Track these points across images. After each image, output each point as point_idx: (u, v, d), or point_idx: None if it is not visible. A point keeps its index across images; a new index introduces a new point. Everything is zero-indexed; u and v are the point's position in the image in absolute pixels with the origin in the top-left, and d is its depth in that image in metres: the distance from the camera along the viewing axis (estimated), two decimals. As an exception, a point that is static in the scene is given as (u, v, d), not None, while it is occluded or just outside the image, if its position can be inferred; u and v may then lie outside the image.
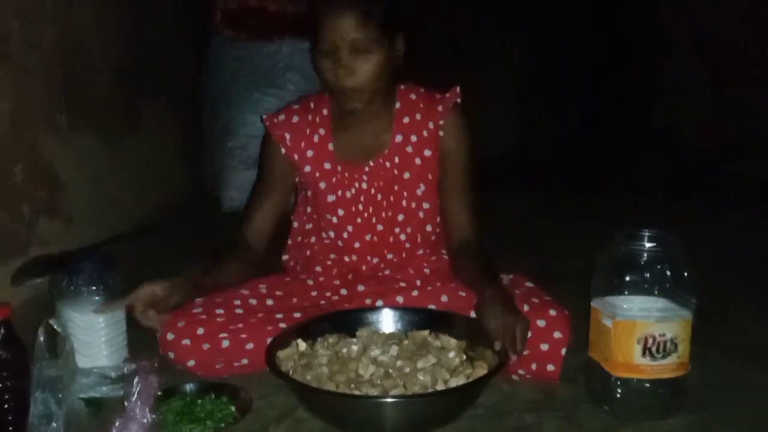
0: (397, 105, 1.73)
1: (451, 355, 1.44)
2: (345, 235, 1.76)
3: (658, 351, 1.34)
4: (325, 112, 1.76)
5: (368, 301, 1.67)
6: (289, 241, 1.86)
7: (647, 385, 1.37)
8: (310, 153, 1.75)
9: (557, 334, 1.48)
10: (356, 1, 1.57)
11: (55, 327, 1.37)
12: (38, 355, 1.32)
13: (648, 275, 1.38)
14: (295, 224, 1.86)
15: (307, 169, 1.75)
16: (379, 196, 1.74)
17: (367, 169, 1.74)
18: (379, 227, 1.75)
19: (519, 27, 4.85)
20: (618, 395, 1.38)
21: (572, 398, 1.47)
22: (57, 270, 1.61)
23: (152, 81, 3.04)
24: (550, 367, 1.49)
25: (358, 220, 1.75)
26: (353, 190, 1.74)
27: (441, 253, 1.80)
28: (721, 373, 1.59)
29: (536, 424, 1.38)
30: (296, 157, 1.75)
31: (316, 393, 1.34)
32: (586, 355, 1.47)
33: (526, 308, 1.49)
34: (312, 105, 1.78)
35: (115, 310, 1.56)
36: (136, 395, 1.23)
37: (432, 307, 1.63)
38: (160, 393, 1.32)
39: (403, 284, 1.71)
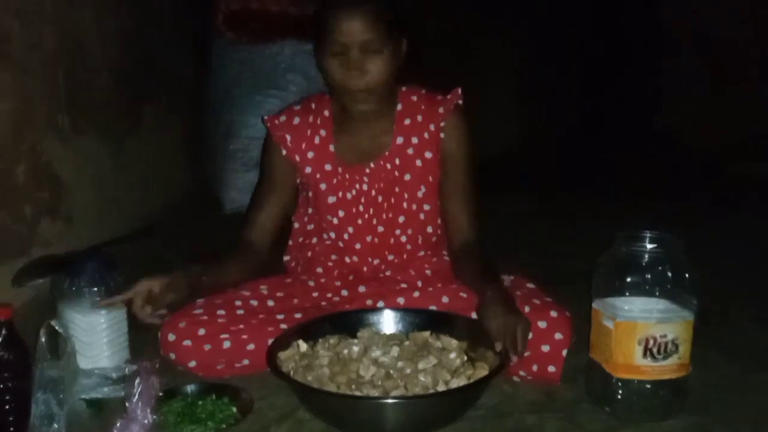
0: (399, 107, 1.73)
1: (452, 356, 1.44)
2: (346, 236, 1.76)
3: (659, 352, 1.34)
4: (326, 113, 1.76)
5: (369, 302, 1.67)
6: (290, 242, 1.86)
7: (648, 386, 1.37)
8: (310, 154, 1.75)
9: (558, 336, 1.48)
10: (367, 2, 1.57)
11: (57, 328, 1.38)
12: (40, 356, 1.33)
13: (649, 276, 1.38)
14: (296, 225, 1.86)
15: (308, 170, 1.75)
16: (380, 198, 1.74)
17: (367, 170, 1.74)
18: (380, 229, 1.75)
19: (519, 27, 4.85)
20: (619, 396, 1.38)
21: (573, 399, 1.47)
22: (58, 271, 1.61)
23: (153, 81, 3.04)
24: (551, 369, 1.49)
25: (359, 222, 1.75)
26: (354, 192, 1.74)
27: (442, 254, 1.80)
28: (721, 374, 1.60)
29: (537, 425, 1.38)
30: (297, 158, 1.75)
31: (317, 394, 1.34)
32: (587, 356, 1.47)
33: (527, 309, 1.49)
34: (313, 106, 1.78)
35: (114, 305, 1.56)
36: (137, 396, 1.24)
37: (433, 308, 1.63)
38: (161, 394, 1.32)
39: (404, 285, 1.72)
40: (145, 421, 1.23)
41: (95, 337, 1.57)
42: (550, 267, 2.29)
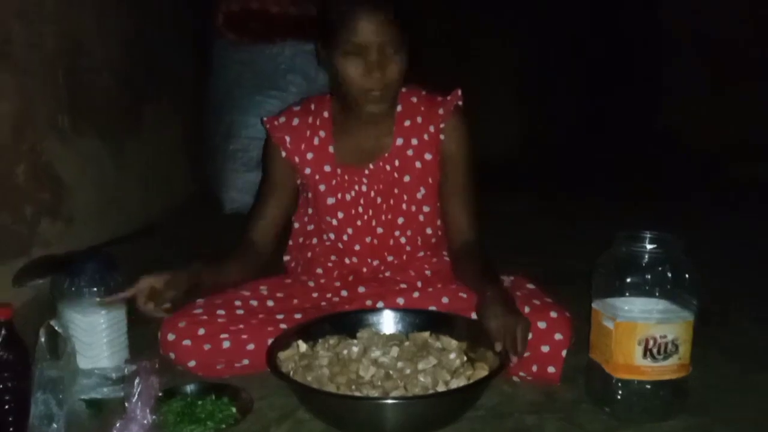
0: (399, 108, 1.73)
1: (452, 356, 1.44)
2: (345, 237, 1.76)
3: (659, 352, 1.34)
4: (325, 114, 1.76)
5: (369, 303, 1.67)
6: (290, 242, 1.86)
7: (648, 386, 1.37)
8: (309, 155, 1.75)
9: (558, 336, 1.48)
10: (384, 2, 1.56)
11: (57, 328, 1.38)
12: (39, 356, 1.33)
13: (649, 277, 1.38)
14: (296, 225, 1.86)
15: (307, 171, 1.75)
16: (379, 199, 1.74)
17: (367, 172, 1.73)
18: (379, 230, 1.75)
19: (519, 27, 4.85)
20: (619, 397, 1.38)
21: (573, 400, 1.47)
22: (59, 271, 1.61)
23: (153, 82, 3.04)
24: (551, 369, 1.49)
25: (358, 223, 1.75)
26: (353, 193, 1.74)
27: (442, 254, 1.80)
28: (721, 374, 1.60)
29: (537, 426, 1.38)
30: (296, 159, 1.75)
31: (317, 394, 1.34)
32: (586, 356, 1.47)
33: (527, 310, 1.49)
34: (313, 107, 1.78)
35: (116, 303, 1.56)
36: (136, 396, 1.24)
37: (433, 308, 1.63)
38: (160, 394, 1.32)
39: (403, 286, 1.72)
40: (145, 421, 1.24)
41: (95, 337, 1.57)
42: (550, 267, 2.29)
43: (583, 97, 5.31)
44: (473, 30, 4.72)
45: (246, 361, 1.56)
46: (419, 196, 1.74)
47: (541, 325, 1.48)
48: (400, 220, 1.75)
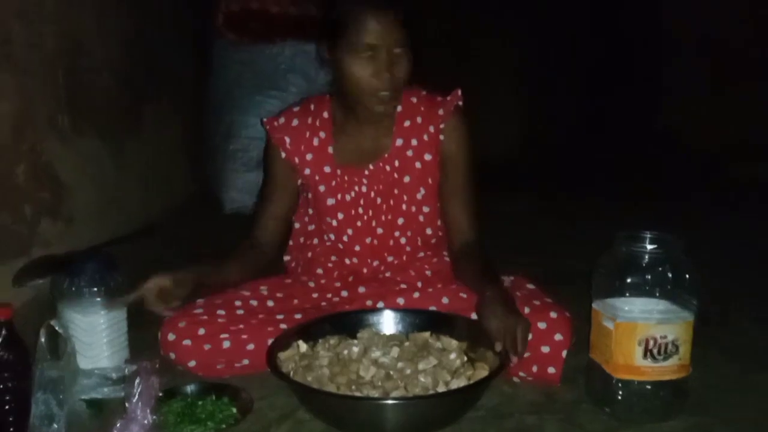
0: (399, 108, 1.73)
1: (452, 356, 1.44)
2: (345, 238, 1.76)
3: (659, 353, 1.34)
4: (325, 114, 1.76)
5: (369, 303, 1.67)
6: (291, 242, 1.86)
7: (648, 386, 1.37)
8: (309, 156, 1.75)
9: (558, 337, 1.48)
10: (394, 2, 1.56)
11: (57, 328, 1.38)
12: (40, 356, 1.33)
13: (649, 277, 1.38)
14: (297, 225, 1.86)
15: (307, 172, 1.75)
16: (379, 200, 1.74)
17: (366, 172, 1.73)
18: (379, 230, 1.75)
19: (519, 27, 4.85)
20: (619, 397, 1.38)
21: (573, 400, 1.47)
22: (59, 271, 1.61)
23: (153, 82, 3.04)
24: (551, 370, 1.49)
25: (358, 224, 1.75)
26: (353, 194, 1.74)
27: (442, 255, 1.80)
28: (721, 374, 1.60)
29: (537, 426, 1.38)
30: (296, 160, 1.75)
31: (317, 394, 1.34)
32: (586, 356, 1.47)
33: (527, 310, 1.49)
34: (312, 107, 1.78)
35: (126, 304, 1.57)
36: (137, 396, 1.23)
37: (433, 308, 1.63)
38: (161, 394, 1.32)
39: (403, 286, 1.72)
40: (145, 422, 1.23)
41: (95, 337, 1.57)
42: (549, 267, 2.29)
43: (583, 97, 5.31)
44: (473, 30, 4.72)
45: (246, 361, 1.57)
46: (419, 196, 1.74)
47: (541, 325, 1.47)
48: (400, 221, 1.75)
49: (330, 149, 1.74)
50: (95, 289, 1.56)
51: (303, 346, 1.50)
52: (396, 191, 1.74)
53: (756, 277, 2.29)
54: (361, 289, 1.72)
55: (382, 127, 1.73)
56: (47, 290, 1.66)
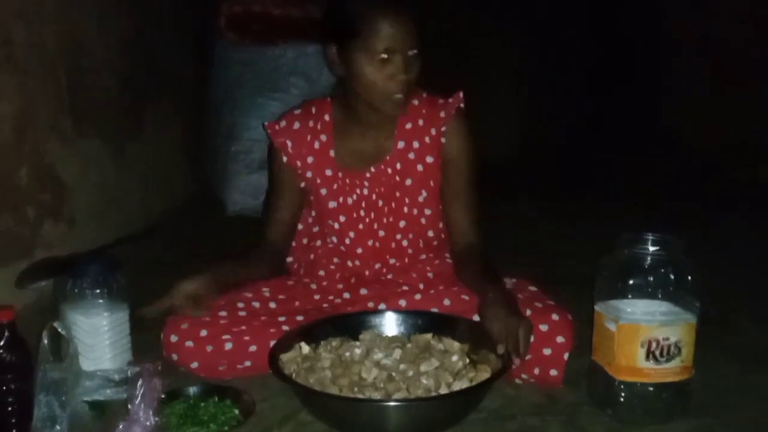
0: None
1: (455, 358, 1.44)
2: (347, 240, 1.76)
3: (661, 355, 1.34)
4: (327, 117, 1.76)
5: (371, 305, 1.67)
6: (293, 244, 1.86)
7: (651, 388, 1.37)
8: (310, 159, 1.75)
9: (560, 339, 1.48)
10: (408, 6, 1.56)
11: (60, 330, 1.37)
12: (42, 358, 1.32)
13: (652, 279, 1.38)
14: (300, 227, 1.86)
15: (309, 175, 1.76)
16: (381, 203, 1.74)
17: (368, 175, 1.74)
18: (381, 233, 1.75)
19: (519, 27, 4.84)
20: (621, 399, 1.38)
21: (575, 402, 1.47)
22: (61, 273, 1.61)
23: (154, 82, 3.04)
24: (553, 372, 1.49)
25: (360, 226, 1.75)
26: (354, 197, 1.74)
27: (444, 257, 1.80)
28: (721, 374, 1.60)
29: (539, 428, 1.38)
30: (298, 163, 1.76)
31: (319, 396, 1.34)
32: (589, 358, 1.47)
33: (528, 312, 1.48)
34: (314, 110, 1.77)
35: (158, 312, 1.58)
36: (139, 398, 1.23)
37: (435, 310, 1.64)
38: (163, 396, 1.32)
39: (405, 288, 1.72)
40: (148, 423, 1.23)
41: (98, 339, 1.56)
42: (550, 267, 2.29)
43: (583, 97, 5.30)
44: (473, 30, 4.71)
45: (248, 363, 1.56)
46: (421, 199, 1.74)
47: (543, 327, 1.47)
48: (402, 223, 1.75)
49: (331, 152, 1.74)
50: (98, 290, 1.56)
51: (305, 348, 1.50)
52: (398, 194, 1.74)
53: (756, 277, 2.29)
54: (363, 291, 1.72)
55: (384, 129, 1.73)
56: (50, 292, 1.66)
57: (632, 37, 5.21)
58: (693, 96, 4.72)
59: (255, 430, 1.37)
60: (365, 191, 1.74)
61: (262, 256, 1.77)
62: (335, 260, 1.79)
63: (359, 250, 1.77)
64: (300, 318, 1.63)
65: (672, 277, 1.38)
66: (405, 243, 1.76)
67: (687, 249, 1.40)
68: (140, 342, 1.65)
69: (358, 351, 1.47)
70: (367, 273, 1.78)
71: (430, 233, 1.78)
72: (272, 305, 1.69)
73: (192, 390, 1.47)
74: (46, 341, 1.34)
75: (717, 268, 1.94)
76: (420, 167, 1.73)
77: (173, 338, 1.56)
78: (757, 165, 4.05)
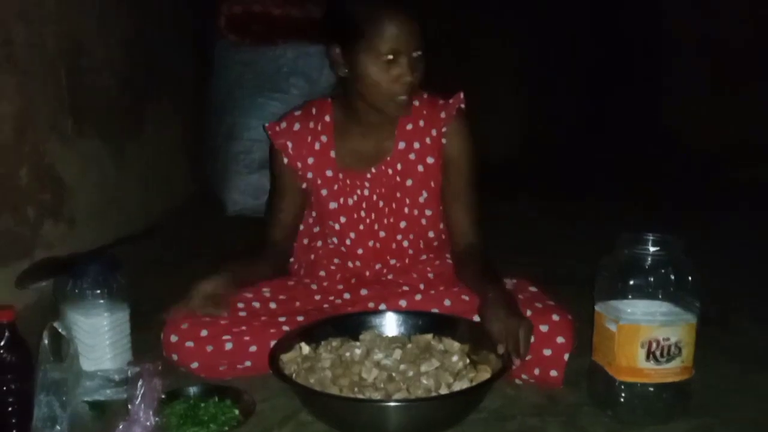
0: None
1: (455, 358, 1.45)
2: (348, 241, 1.76)
3: (662, 355, 1.34)
4: (327, 118, 1.76)
5: (371, 305, 1.67)
6: (294, 244, 1.87)
7: (651, 389, 1.37)
8: (311, 160, 1.75)
9: (560, 339, 1.48)
10: (413, 7, 1.56)
11: (60, 330, 1.37)
12: (43, 358, 1.32)
13: (652, 279, 1.38)
14: (301, 227, 1.86)
15: (309, 176, 1.76)
16: (381, 203, 1.74)
17: (369, 176, 1.74)
18: (382, 234, 1.76)
19: (519, 27, 4.84)
20: (622, 399, 1.38)
21: (575, 402, 1.47)
22: (61, 273, 1.61)
23: (154, 82, 3.04)
24: (553, 373, 1.49)
25: (361, 227, 1.75)
26: (355, 197, 1.74)
27: (445, 257, 1.80)
28: (721, 374, 1.60)
29: (539, 428, 1.38)
30: (299, 164, 1.76)
31: (320, 396, 1.34)
32: (589, 358, 1.47)
33: (529, 313, 1.48)
34: (314, 111, 1.77)
35: (181, 313, 1.59)
36: (139, 398, 1.23)
37: (435, 311, 1.64)
38: (163, 396, 1.32)
39: (406, 288, 1.72)
40: (148, 423, 1.23)
41: (98, 339, 1.56)
42: (549, 267, 2.29)
43: (583, 97, 5.30)
44: (473, 30, 4.71)
45: (248, 363, 1.56)
46: (421, 199, 1.74)
47: (543, 328, 1.48)
48: (403, 224, 1.75)
49: (332, 153, 1.74)
50: (98, 291, 1.56)
51: (305, 348, 1.50)
52: (398, 194, 1.74)
53: (756, 277, 2.29)
54: (364, 292, 1.72)
55: (385, 130, 1.73)
56: (50, 292, 1.66)
57: (632, 37, 5.21)
58: (693, 96, 4.72)
59: (255, 431, 1.37)
60: (366, 192, 1.74)
61: (268, 256, 1.78)
62: (336, 261, 1.79)
63: (360, 251, 1.77)
64: (300, 318, 1.63)
65: (672, 277, 1.38)
66: (405, 243, 1.76)
67: (687, 249, 1.40)
68: (140, 342, 1.65)
69: (358, 351, 1.47)
70: (367, 273, 1.78)
71: (431, 234, 1.78)
72: (272, 305, 1.69)
73: (192, 390, 1.47)
74: (46, 341, 1.34)
75: (717, 268, 1.94)
76: (421, 168, 1.73)
77: (173, 338, 1.56)
78: (757, 165, 4.05)
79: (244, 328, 1.58)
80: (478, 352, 1.48)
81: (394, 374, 1.39)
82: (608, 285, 1.42)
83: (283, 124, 1.77)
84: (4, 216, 1.91)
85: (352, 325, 1.59)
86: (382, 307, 1.66)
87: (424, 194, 1.74)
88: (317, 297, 1.75)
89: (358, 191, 1.74)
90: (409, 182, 1.73)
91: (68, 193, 2.25)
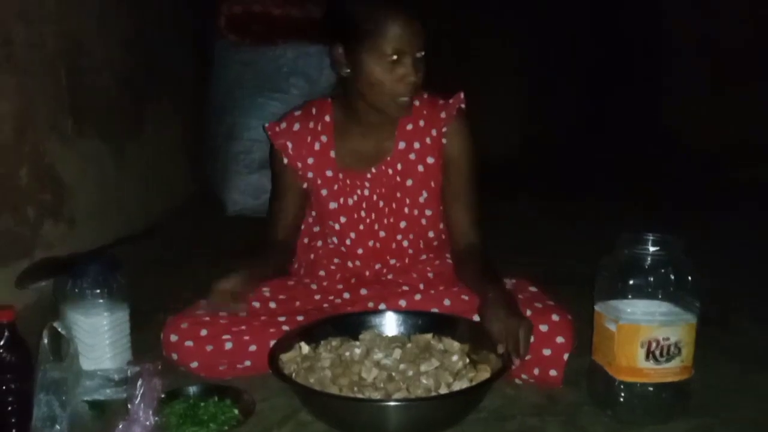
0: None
1: (455, 358, 1.44)
2: (348, 241, 1.76)
3: (661, 355, 1.34)
4: (327, 118, 1.76)
5: (371, 305, 1.67)
6: (297, 242, 1.87)
7: (651, 388, 1.37)
8: (311, 160, 1.75)
9: (560, 339, 1.48)
10: (415, 8, 1.57)
11: (60, 330, 1.37)
12: (42, 358, 1.33)
13: (652, 279, 1.38)
14: (301, 227, 1.86)
15: (310, 175, 1.76)
16: (381, 203, 1.74)
17: (369, 176, 1.74)
18: (382, 234, 1.76)
19: (519, 27, 4.85)
20: (621, 399, 1.38)
21: (575, 402, 1.47)
22: (61, 273, 1.61)
23: (153, 82, 3.04)
24: (553, 372, 1.49)
25: (361, 227, 1.75)
26: (355, 197, 1.74)
27: (445, 257, 1.80)
28: (721, 374, 1.60)
29: (539, 428, 1.38)
30: (299, 164, 1.76)
31: (319, 396, 1.34)
32: (589, 358, 1.47)
33: (528, 313, 1.48)
34: (314, 111, 1.77)
35: (209, 309, 1.61)
36: (139, 398, 1.23)
37: (435, 310, 1.64)
38: (163, 395, 1.32)
39: (405, 288, 1.71)
40: (147, 423, 1.23)
41: (98, 338, 1.56)
42: (549, 267, 2.29)
43: (583, 97, 5.31)
44: (473, 30, 4.72)
45: (248, 363, 1.56)
46: (421, 199, 1.74)
47: (543, 328, 1.48)
48: (403, 224, 1.75)
49: (332, 153, 1.74)
50: (98, 290, 1.56)
51: (305, 348, 1.50)
52: (398, 194, 1.74)
53: (756, 277, 2.29)
54: (363, 291, 1.72)
55: (385, 130, 1.73)
56: (50, 292, 1.66)
57: (632, 37, 5.21)
58: (693, 96, 4.72)
59: (255, 430, 1.37)
60: (366, 192, 1.74)
61: (273, 255, 1.79)
62: (335, 260, 1.79)
63: (360, 251, 1.77)
64: (300, 318, 1.63)
65: (672, 277, 1.38)
66: (405, 243, 1.76)
67: (687, 249, 1.40)
68: (140, 342, 1.65)
69: (358, 351, 1.47)
70: (367, 273, 1.78)
71: (431, 234, 1.78)
72: (272, 305, 1.69)
73: (192, 390, 1.47)
74: (46, 341, 1.34)
75: (717, 268, 1.94)
76: (421, 168, 1.73)
77: (173, 338, 1.56)
78: (757, 165, 4.05)
79: (243, 327, 1.58)
80: (477, 351, 1.48)
81: (393, 374, 1.40)
82: (608, 285, 1.42)
83: (283, 125, 1.77)
84: (4, 216, 1.91)
85: (351, 324, 1.59)
86: (382, 306, 1.66)
87: (424, 194, 1.74)
88: (317, 297, 1.75)
89: (358, 191, 1.74)
90: (409, 182, 1.73)
91: (68, 193, 2.25)
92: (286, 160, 1.76)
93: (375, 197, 1.74)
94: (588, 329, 1.47)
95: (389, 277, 1.77)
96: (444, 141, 1.72)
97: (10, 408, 1.28)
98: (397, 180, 1.73)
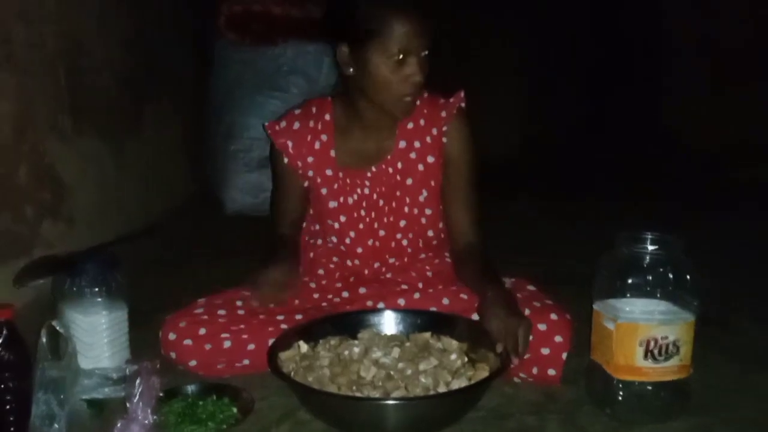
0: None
1: (453, 357, 1.44)
2: (347, 240, 1.76)
3: (660, 353, 1.34)
4: (327, 117, 1.75)
5: (370, 304, 1.67)
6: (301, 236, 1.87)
7: (649, 387, 1.37)
8: (311, 159, 1.75)
9: (558, 339, 1.48)
10: (422, 7, 1.56)
11: (58, 328, 1.37)
12: (41, 356, 1.32)
13: (650, 278, 1.38)
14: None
15: (310, 174, 1.76)
16: (381, 202, 1.74)
17: (369, 174, 1.73)
18: (381, 233, 1.75)
19: (519, 27, 4.85)
20: (620, 398, 1.38)
21: (574, 400, 1.47)
22: (60, 271, 1.61)
23: (153, 82, 3.04)
24: (551, 372, 1.49)
25: (360, 226, 1.75)
26: (355, 196, 1.74)
27: (444, 256, 1.80)
28: (721, 374, 1.60)
29: (538, 427, 1.38)
30: (299, 163, 1.75)
31: (318, 395, 1.34)
32: (587, 357, 1.47)
33: (527, 312, 1.48)
34: (314, 110, 1.77)
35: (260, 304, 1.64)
36: (138, 396, 1.23)
37: (433, 309, 1.63)
38: (161, 394, 1.32)
39: (404, 287, 1.71)
40: (146, 422, 1.23)
41: (96, 337, 1.57)
42: (549, 267, 2.29)
43: (583, 97, 5.31)
44: (473, 30, 4.72)
45: (247, 361, 1.57)
46: (421, 198, 1.74)
47: (542, 327, 1.47)
48: (402, 223, 1.75)
49: (332, 152, 1.74)
50: (96, 289, 1.56)
51: (304, 347, 1.50)
52: (398, 193, 1.74)
53: (756, 277, 2.29)
54: (362, 290, 1.72)
55: (385, 129, 1.73)
56: (48, 290, 1.66)
57: (632, 37, 5.21)
58: (693, 96, 4.72)
59: (253, 429, 1.37)
60: (366, 191, 1.74)
61: (296, 245, 1.80)
62: (334, 259, 1.79)
63: (359, 250, 1.77)
64: (299, 317, 1.63)
65: (670, 276, 1.38)
66: (405, 242, 1.76)
67: (687, 249, 1.39)
68: (139, 340, 1.65)
69: (356, 349, 1.47)
70: (366, 272, 1.78)
71: (430, 233, 1.78)
72: (271, 304, 1.68)
73: (190, 388, 1.47)
74: (44, 339, 1.34)
75: (717, 268, 1.94)
76: (421, 167, 1.72)
77: (171, 336, 1.56)
78: (757, 165, 4.05)
79: (242, 326, 1.58)
80: (476, 350, 1.48)
81: (392, 372, 1.39)
82: (607, 284, 1.42)
83: (283, 123, 1.77)
84: (3, 215, 1.91)
85: (350, 323, 1.59)
86: (381, 305, 1.66)
87: (424, 193, 1.74)
88: (316, 295, 1.75)
89: (358, 190, 1.74)
90: (409, 181, 1.73)
91: (67, 192, 2.25)
92: (286, 160, 1.76)
93: (375, 196, 1.74)
94: (588, 328, 1.47)
95: (388, 276, 1.77)
96: (444, 140, 1.72)
97: (8, 406, 1.28)
98: (397, 179, 1.73)
